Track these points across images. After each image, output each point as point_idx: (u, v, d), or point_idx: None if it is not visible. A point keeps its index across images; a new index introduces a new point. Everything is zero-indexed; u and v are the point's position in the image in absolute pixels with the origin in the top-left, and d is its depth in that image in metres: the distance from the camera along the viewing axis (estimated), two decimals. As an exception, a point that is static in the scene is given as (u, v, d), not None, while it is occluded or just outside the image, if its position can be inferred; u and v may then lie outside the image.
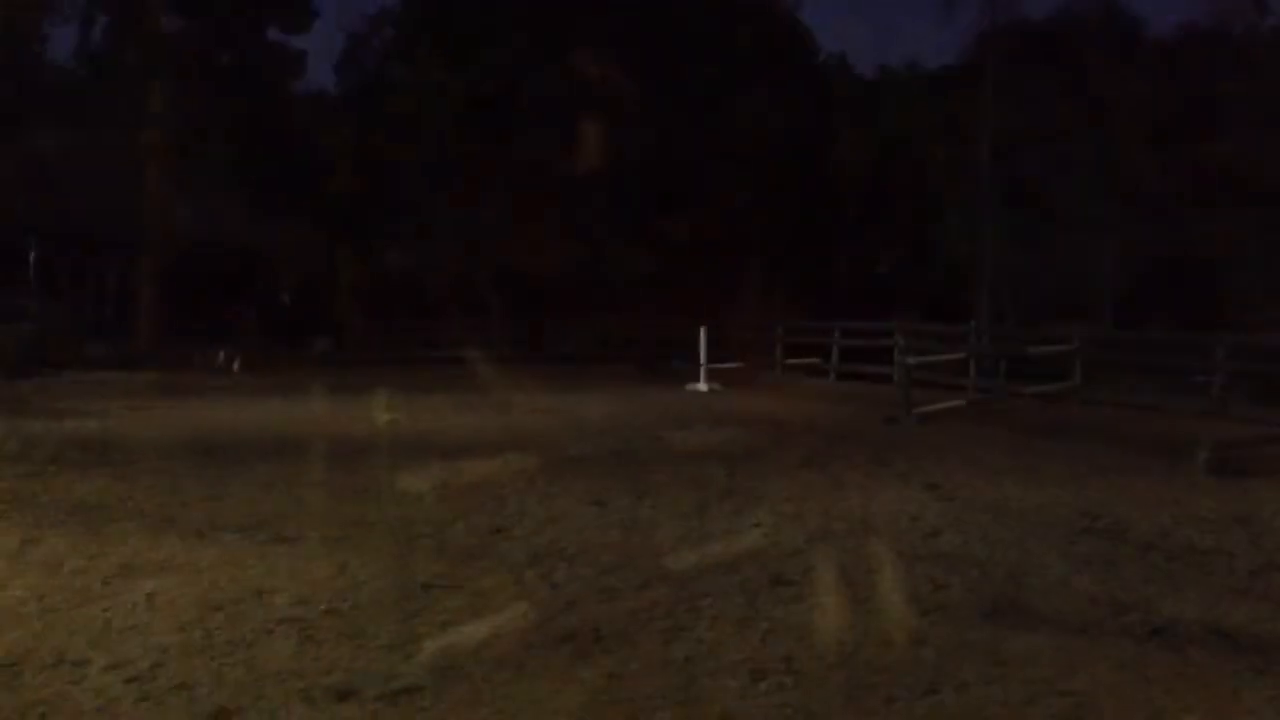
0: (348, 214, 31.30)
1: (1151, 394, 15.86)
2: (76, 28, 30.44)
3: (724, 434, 13.64)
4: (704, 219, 31.27)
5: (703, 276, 27.44)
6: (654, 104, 31.23)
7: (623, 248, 31.35)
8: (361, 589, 6.39)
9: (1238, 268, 24.49)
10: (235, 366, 23.05)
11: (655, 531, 7.90)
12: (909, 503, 8.98)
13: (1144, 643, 5.40)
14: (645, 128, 31.10)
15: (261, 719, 4.45)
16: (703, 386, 19.56)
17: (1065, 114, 25.08)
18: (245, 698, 4.62)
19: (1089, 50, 27.23)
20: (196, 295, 28.54)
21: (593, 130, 30.16)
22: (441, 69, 32.26)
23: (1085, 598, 6.17)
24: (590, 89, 31.29)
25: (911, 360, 15.72)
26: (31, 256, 26.92)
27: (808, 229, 31.77)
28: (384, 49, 36.59)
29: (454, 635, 5.51)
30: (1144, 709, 4.58)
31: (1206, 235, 24.79)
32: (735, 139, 31.43)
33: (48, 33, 31.09)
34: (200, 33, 29.87)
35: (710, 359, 20.23)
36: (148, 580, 6.36)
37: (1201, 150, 24.76)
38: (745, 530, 7.95)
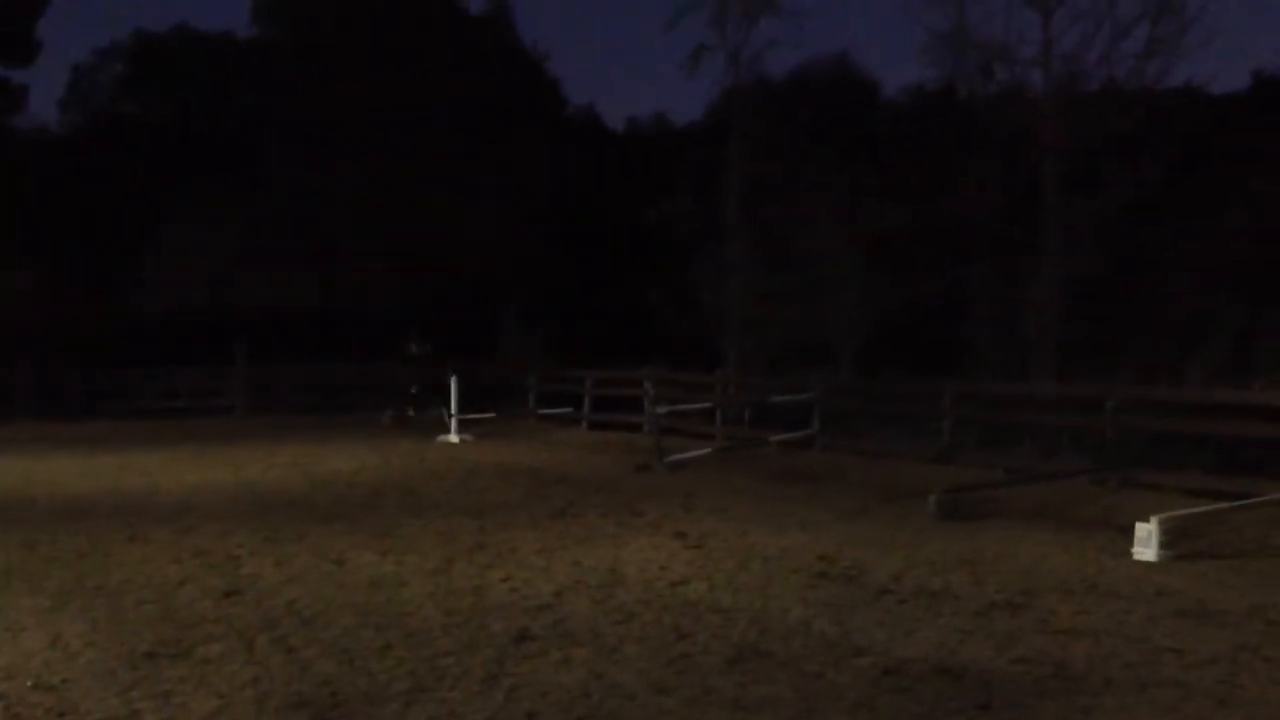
0: (74, 253, 29.64)
1: (888, 440, 16.51)
2: None
3: (475, 486, 13.47)
4: (458, 266, 31.09)
5: (455, 324, 27.16)
6: (407, 150, 30.95)
7: (373, 292, 30.84)
8: (76, 660, 5.94)
9: (969, 318, 25.93)
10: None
11: (400, 589, 7.67)
12: (659, 552, 9.03)
13: (877, 683, 5.54)
14: (395, 171, 30.80)
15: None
16: (454, 437, 19.29)
17: (809, 168, 26.10)
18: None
19: (829, 108, 28.54)
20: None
21: (342, 171, 29.68)
22: (172, 105, 31.22)
23: (823, 641, 6.31)
24: (338, 129, 30.82)
25: (662, 409, 15.94)
26: None
27: (565, 277, 31.99)
28: (113, 84, 35.25)
29: (177, 708, 5.17)
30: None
31: (941, 287, 26.18)
32: (487, 188, 31.45)
33: None
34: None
35: (463, 409, 19.98)
36: None
37: (935, 206, 26.18)
38: (493, 585, 7.81)
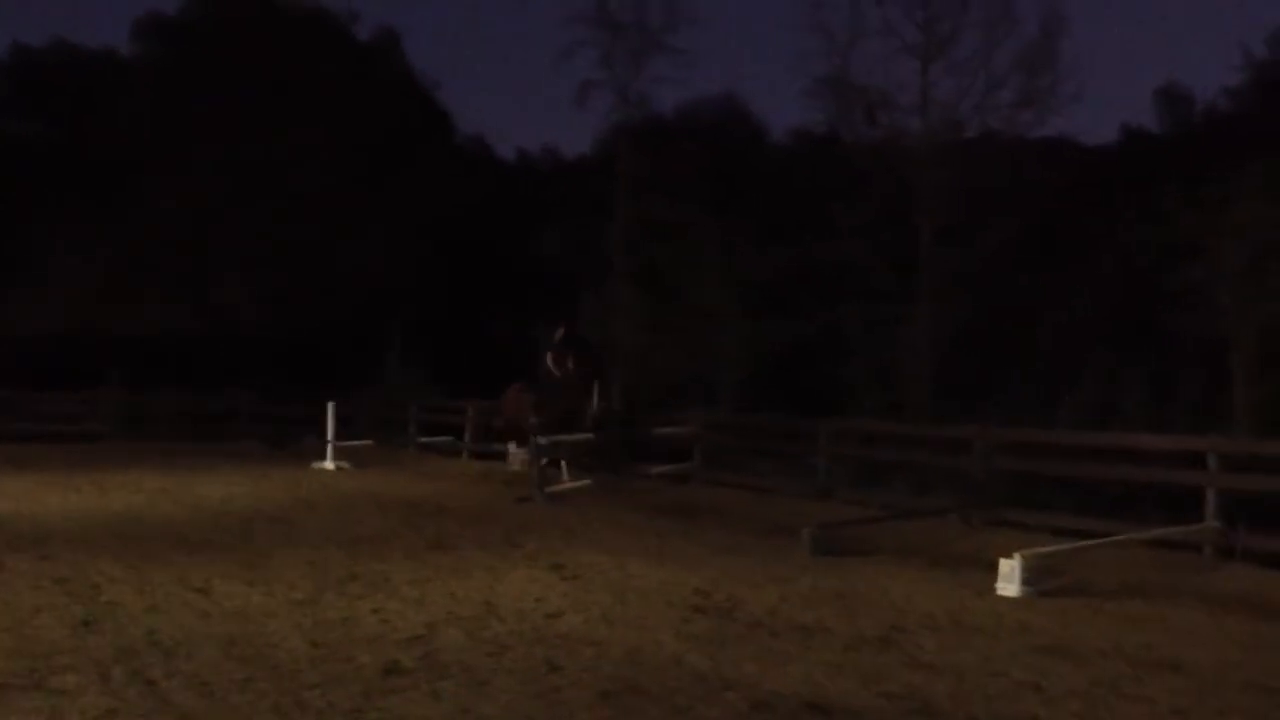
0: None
1: (766, 476, 16.70)
2: None
3: (349, 515, 13.23)
4: (342, 294, 30.69)
5: (334, 353, 26.81)
6: (289, 176, 30.50)
7: (253, 319, 30.23)
8: (-84, 693, 5.67)
9: (848, 358, 26.41)
10: None
11: (267, 620, 7.49)
12: (535, 584, 8.98)
13: (745, 718, 5.57)
14: (277, 197, 30.33)
15: None
16: (330, 465, 18.96)
17: (694, 206, 26.37)
18: None
19: (715, 148, 28.91)
20: None
21: (222, 195, 29.11)
22: (47, 122, 30.36)
23: (695, 675, 6.32)
24: (219, 153, 30.23)
25: (543, 440, 15.87)
26: None
27: (452, 308, 31.79)
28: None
29: (23, 742, 4.97)
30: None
31: (820, 327, 26.63)
32: (373, 216, 31.14)
33: None
34: None
35: (343, 436, 19.65)
36: None
37: (816, 248, 26.66)
38: (363, 617, 7.68)
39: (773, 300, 27.00)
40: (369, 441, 20.71)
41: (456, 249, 32.32)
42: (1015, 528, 11.87)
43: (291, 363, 27.76)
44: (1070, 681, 6.27)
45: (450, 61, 74.65)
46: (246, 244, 30.93)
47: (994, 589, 8.81)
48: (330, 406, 19.55)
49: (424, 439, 22.51)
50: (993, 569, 9.02)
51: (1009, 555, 8.96)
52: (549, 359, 16.44)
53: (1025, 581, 8.73)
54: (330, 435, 19.45)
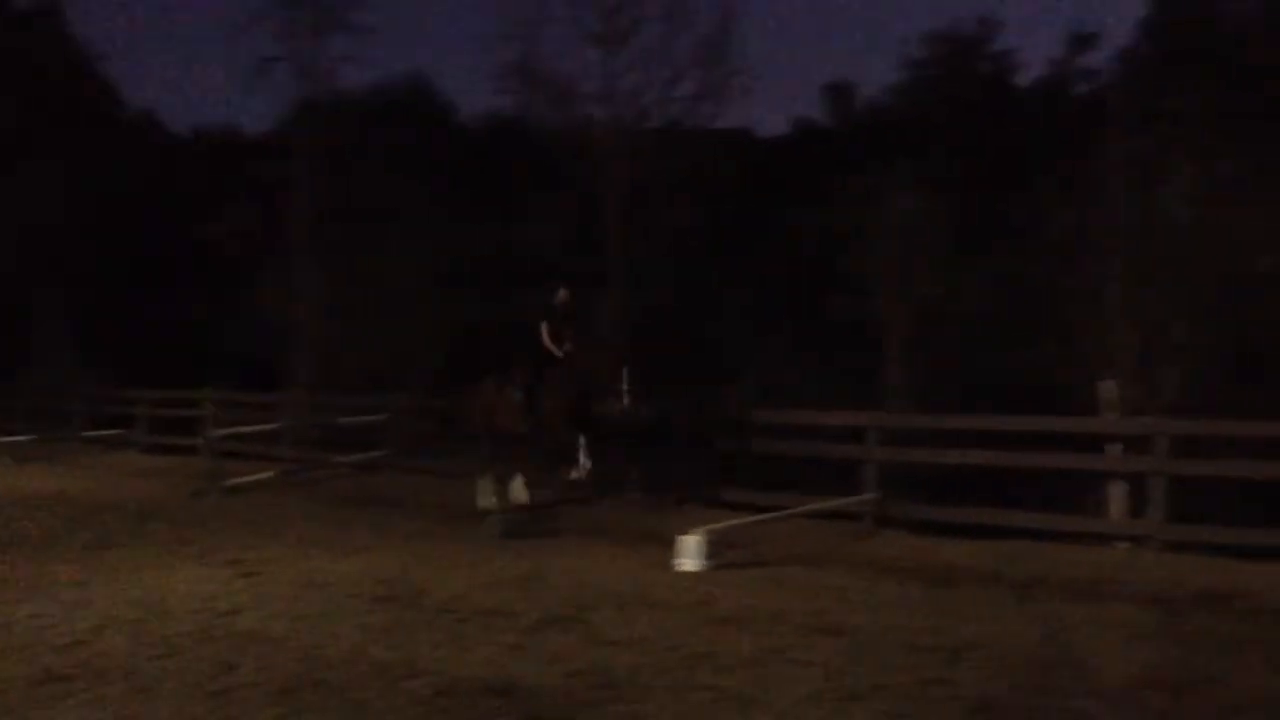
0: None
1: (457, 461, 16.56)
2: None
3: (5, 515, 12.27)
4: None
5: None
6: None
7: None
8: None
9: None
10: None
11: (-100, 633, 6.84)
12: (208, 582, 8.59)
13: (428, 704, 5.54)
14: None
15: None
16: (-16, 462, 17.55)
17: (384, 188, 25.84)
18: None
19: (403, 129, 28.41)
20: None
21: None
22: None
23: (376, 666, 6.22)
24: None
25: (221, 432, 15.24)
26: None
27: (118, 292, 29.87)
28: None
29: None
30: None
31: (516, 309, 26.68)
32: (22, 192, 28.78)
33: None
34: None
35: (-2, 430, 18.22)
36: None
37: (509, 232, 26.69)
38: (19, 622, 7.15)
39: (466, 284, 26.85)
40: (31, 436, 19.26)
41: (121, 229, 30.35)
42: (697, 504, 12.26)
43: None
44: (742, 650, 6.56)
45: (122, 33, 70.11)
46: None
47: (674, 565, 9.11)
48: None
49: (89, 432, 21.13)
50: (674, 545, 9.31)
51: (689, 532, 9.29)
52: (545, 333, 12.25)
53: (705, 556, 9.07)
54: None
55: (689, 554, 9.11)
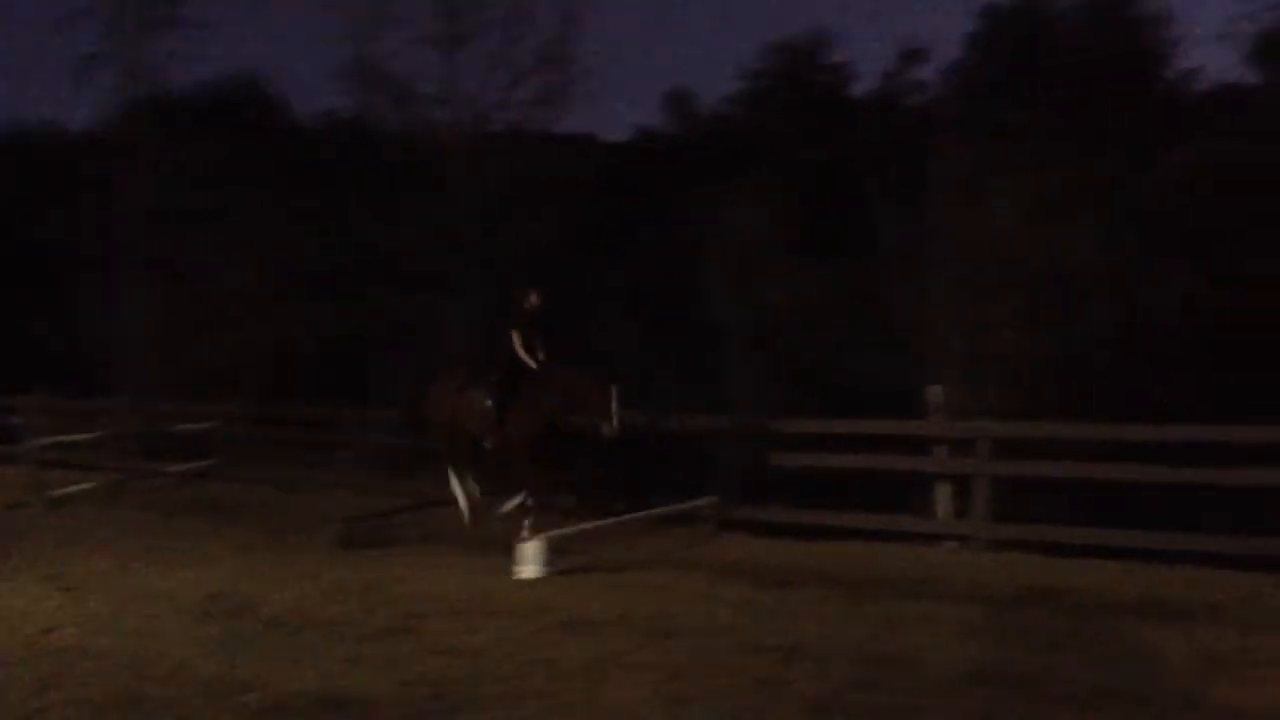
0: None
1: (294, 470, 16.18)
2: None
3: None
4: None
5: None
6: None
7: None
8: None
9: (386, 346, 26.07)
10: None
11: None
12: (25, 597, 8.25)
13: (257, 720, 5.42)
14: None
15: None
16: None
17: (217, 187, 25.09)
18: None
19: (240, 128, 27.62)
20: None
21: None
22: None
23: (204, 681, 6.05)
24: None
25: (43, 440, 14.58)
26: None
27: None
28: None
29: None
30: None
31: (358, 317, 26.16)
32: None
33: None
34: None
35: None
36: None
37: (356, 234, 26.12)
38: None
39: (307, 288, 26.23)
40: None
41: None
42: (545, 510, 12.16)
43: None
44: (580, 655, 6.57)
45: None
46: None
47: (514, 571, 9.07)
48: None
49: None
50: (514, 552, 9.27)
51: (529, 538, 9.26)
52: (516, 341, 10.88)
53: (544, 563, 9.06)
54: None
55: (528, 560, 9.09)
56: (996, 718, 5.38)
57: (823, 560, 9.71)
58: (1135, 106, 26.63)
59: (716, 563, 9.63)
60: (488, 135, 24.57)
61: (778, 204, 24.03)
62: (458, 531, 11.23)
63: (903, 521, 10.73)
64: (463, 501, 11.29)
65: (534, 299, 10.94)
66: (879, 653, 6.56)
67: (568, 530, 10.00)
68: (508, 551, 9.39)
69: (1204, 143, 23.26)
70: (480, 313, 24.68)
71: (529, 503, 10.54)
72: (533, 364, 10.74)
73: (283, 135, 31.24)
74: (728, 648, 6.76)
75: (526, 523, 10.10)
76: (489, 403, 10.81)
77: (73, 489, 14.44)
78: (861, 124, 30.74)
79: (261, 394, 21.38)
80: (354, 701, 5.69)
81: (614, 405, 10.10)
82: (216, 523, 12.34)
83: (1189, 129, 24.23)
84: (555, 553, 9.20)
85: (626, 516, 10.78)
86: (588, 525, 10.40)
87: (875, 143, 27.21)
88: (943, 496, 10.48)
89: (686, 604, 8.00)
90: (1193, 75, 28.95)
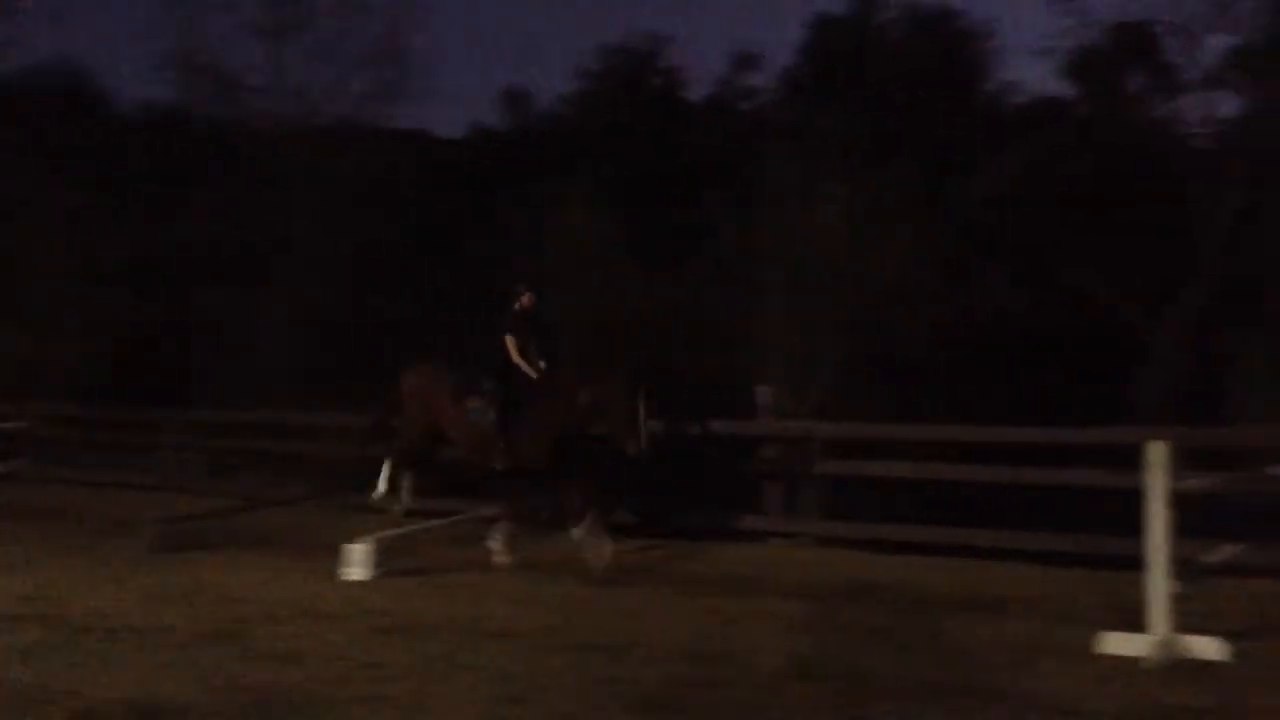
0: None
1: (110, 471, 15.57)
2: None
3: None
4: None
5: None
6: None
7: None
8: None
9: (209, 345, 25.30)
10: None
11: None
12: None
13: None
14: None
15: None
16: None
17: (27, 178, 24.00)
18: None
19: (53, 119, 26.48)
20: None
21: None
22: None
23: (10, 691, 5.78)
24: None
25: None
26: None
27: None
28: None
29: None
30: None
31: (179, 313, 25.33)
32: None
33: None
34: None
35: None
36: None
37: (174, 229, 25.29)
38: None
39: (124, 283, 25.26)
40: None
41: None
42: (366, 513, 11.96)
43: None
44: (408, 658, 6.49)
45: None
46: None
47: (341, 575, 8.91)
48: None
49: None
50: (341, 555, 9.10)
51: (356, 540, 9.10)
52: (512, 346, 9.69)
53: (371, 565, 8.92)
54: None
55: (355, 563, 8.94)
56: (822, 712, 5.51)
57: (650, 558, 9.80)
58: (957, 116, 27.69)
59: (545, 563, 9.58)
60: (319, 130, 24.12)
61: (612, 205, 24.20)
62: (283, 534, 10.99)
63: (731, 519, 10.91)
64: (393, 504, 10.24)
65: (526, 298, 9.85)
66: (708, 650, 6.65)
67: (395, 532, 9.83)
68: (336, 554, 9.21)
69: (1021, 153, 24.34)
70: (304, 312, 24.17)
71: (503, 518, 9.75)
72: (534, 372, 9.65)
73: (101, 125, 30.03)
74: (557, 647, 6.76)
75: (497, 540, 9.58)
76: (491, 418, 9.54)
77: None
78: (696, 127, 31.17)
79: (73, 392, 20.51)
80: (169, 710, 5.50)
81: (639, 419, 8.94)
82: (29, 526, 11.81)
83: (1007, 139, 25.30)
84: (383, 555, 9.07)
85: (458, 518, 10.68)
86: (416, 527, 10.26)
87: (709, 146, 27.62)
88: (772, 494, 10.69)
89: (515, 605, 7.98)
90: (1012, 88, 30.29)
